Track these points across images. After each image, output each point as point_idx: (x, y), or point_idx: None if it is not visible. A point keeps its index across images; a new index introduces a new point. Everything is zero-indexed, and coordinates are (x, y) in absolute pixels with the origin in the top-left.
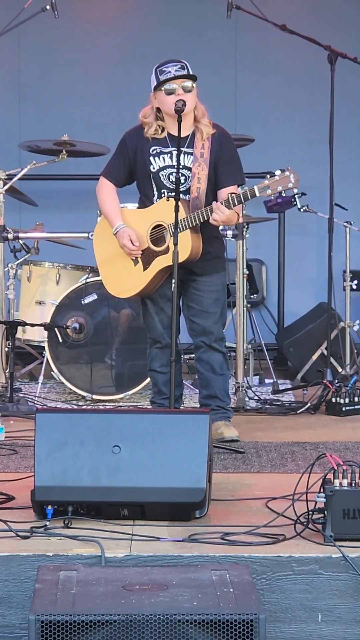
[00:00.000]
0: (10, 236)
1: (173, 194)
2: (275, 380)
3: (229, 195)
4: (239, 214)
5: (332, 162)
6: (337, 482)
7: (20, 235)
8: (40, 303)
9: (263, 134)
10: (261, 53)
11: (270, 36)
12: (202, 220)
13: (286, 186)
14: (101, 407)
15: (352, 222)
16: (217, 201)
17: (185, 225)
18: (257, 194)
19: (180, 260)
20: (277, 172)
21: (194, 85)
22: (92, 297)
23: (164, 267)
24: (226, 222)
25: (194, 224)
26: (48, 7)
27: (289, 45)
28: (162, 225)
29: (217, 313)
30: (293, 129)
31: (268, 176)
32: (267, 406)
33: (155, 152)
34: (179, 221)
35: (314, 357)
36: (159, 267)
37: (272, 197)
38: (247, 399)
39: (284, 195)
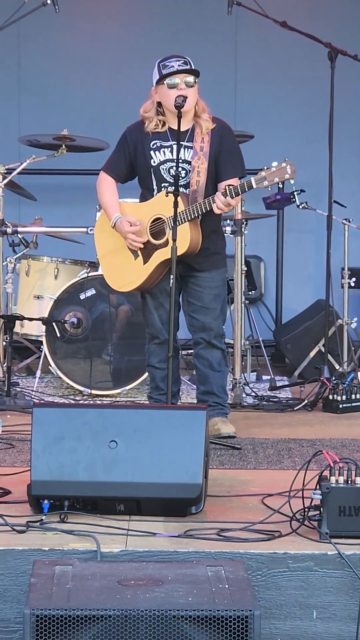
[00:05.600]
0: (9, 230)
1: (173, 188)
2: (272, 376)
3: (227, 187)
4: (237, 202)
5: (331, 159)
6: (333, 479)
7: (19, 229)
8: (38, 297)
9: (262, 130)
10: (261, 50)
11: (271, 33)
12: (201, 213)
13: (283, 177)
14: (98, 402)
15: (350, 220)
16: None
17: (184, 218)
18: (254, 186)
19: (179, 253)
20: (274, 164)
21: (196, 81)
22: (91, 292)
23: (163, 260)
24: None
25: (193, 217)
26: (49, 1)
27: (289, 42)
28: (161, 218)
29: (217, 309)
30: (292, 125)
31: (265, 167)
32: (264, 403)
33: (155, 146)
34: (178, 214)
35: (312, 354)
36: (158, 260)
37: (271, 194)
38: (244, 395)
39: (281, 187)
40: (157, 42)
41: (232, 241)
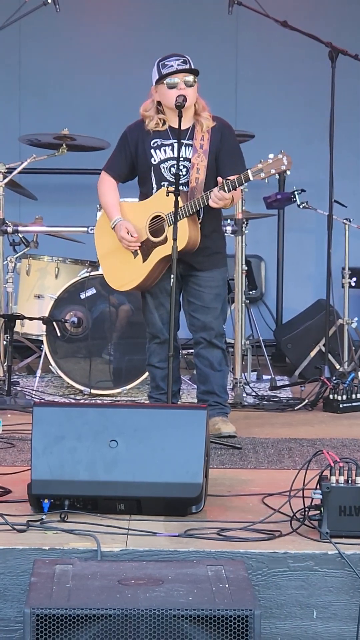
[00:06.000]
0: (9, 229)
1: (172, 187)
2: (273, 376)
3: (224, 180)
4: (234, 197)
5: (332, 159)
6: (333, 478)
7: (20, 228)
8: (38, 297)
9: (263, 130)
10: (262, 49)
11: (272, 32)
12: (198, 207)
13: (279, 168)
14: (99, 402)
15: (351, 219)
16: None
17: (182, 214)
18: (251, 178)
19: (177, 250)
20: (271, 155)
21: (196, 80)
22: (91, 292)
23: (163, 257)
24: (227, 203)
25: (191, 212)
26: (50, 1)
27: (290, 41)
28: (160, 216)
29: (217, 309)
30: (293, 125)
31: (261, 160)
32: (265, 402)
33: (156, 144)
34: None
35: (312, 354)
36: (158, 258)
37: (272, 194)
38: (244, 395)
39: (277, 177)
40: (157, 42)
41: (233, 241)
